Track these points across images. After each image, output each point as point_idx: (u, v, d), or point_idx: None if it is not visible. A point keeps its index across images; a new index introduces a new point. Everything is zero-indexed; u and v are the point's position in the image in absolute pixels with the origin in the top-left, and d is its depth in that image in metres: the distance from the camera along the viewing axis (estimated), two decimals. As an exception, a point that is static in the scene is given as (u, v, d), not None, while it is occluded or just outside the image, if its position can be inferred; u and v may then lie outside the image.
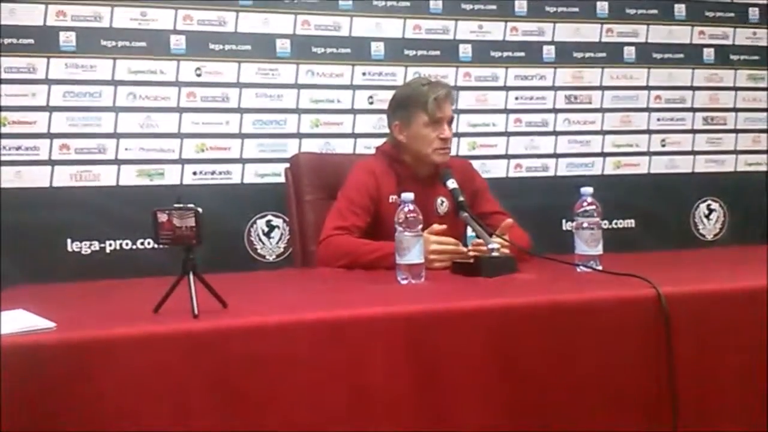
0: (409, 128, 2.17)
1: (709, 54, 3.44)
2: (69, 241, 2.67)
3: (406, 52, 3.07)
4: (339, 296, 1.63)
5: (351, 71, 3.00)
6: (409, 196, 1.70)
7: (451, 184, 2.04)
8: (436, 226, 1.85)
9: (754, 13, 3.49)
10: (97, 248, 2.70)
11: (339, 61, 2.99)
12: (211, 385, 1.19)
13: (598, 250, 1.76)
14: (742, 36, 3.47)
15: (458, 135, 3.04)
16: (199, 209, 1.30)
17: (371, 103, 2.98)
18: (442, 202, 2.17)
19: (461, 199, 2.01)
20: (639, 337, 1.42)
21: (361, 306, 1.41)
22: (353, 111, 3.00)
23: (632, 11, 3.34)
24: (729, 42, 3.46)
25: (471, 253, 1.88)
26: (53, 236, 2.64)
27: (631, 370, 1.41)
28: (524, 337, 1.37)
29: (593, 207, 1.77)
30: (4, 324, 1.16)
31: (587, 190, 1.79)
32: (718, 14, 3.44)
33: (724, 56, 3.45)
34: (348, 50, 3.00)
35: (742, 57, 3.48)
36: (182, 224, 1.31)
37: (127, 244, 2.72)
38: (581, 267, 1.74)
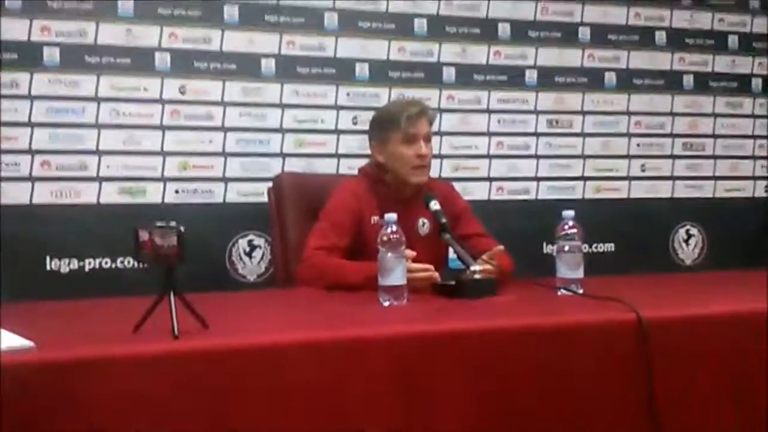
0: (386, 148, 2.19)
1: (688, 81, 3.49)
2: (48, 258, 2.64)
3: (391, 73, 3.09)
4: (321, 318, 1.63)
5: (335, 92, 3.01)
6: (392, 217, 1.71)
7: (434, 205, 2.05)
8: (408, 251, 1.83)
9: (733, 41, 3.56)
10: (76, 266, 2.66)
11: (323, 82, 3.00)
12: (192, 407, 1.18)
13: (580, 273, 1.77)
14: (722, 63, 3.54)
15: (441, 157, 3.06)
16: (182, 228, 1.29)
17: (355, 123, 2.99)
18: (424, 223, 2.18)
19: (443, 221, 2.02)
20: (619, 360, 1.43)
21: (344, 328, 1.41)
22: (337, 131, 3.00)
23: (613, 37, 3.39)
24: (708, 69, 3.52)
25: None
26: (32, 254, 2.60)
27: (612, 393, 1.42)
28: (506, 360, 1.38)
29: (575, 230, 1.79)
30: (-20, 343, 1.14)
31: (569, 213, 1.81)
32: (698, 41, 3.51)
33: (704, 83, 3.51)
34: (333, 71, 3.01)
35: (722, 84, 3.54)
36: (164, 243, 1.30)
37: (106, 263, 2.69)
38: (562, 290, 1.75)
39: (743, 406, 1.47)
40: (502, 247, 2.00)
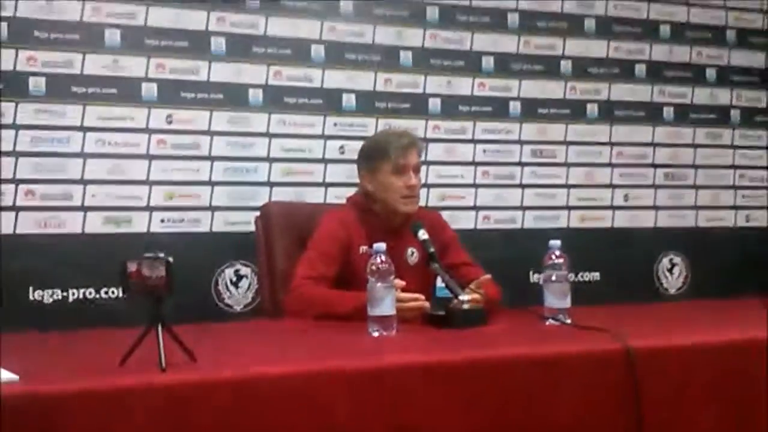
0: (375, 178, 2.20)
1: (668, 112, 3.56)
2: (31, 289, 2.60)
3: (377, 104, 3.12)
4: (309, 349, 1.61)
5: (322, 121, 3.03)
6: (381, 246, 1.71)
7: (422, 235, 2.06)
8: (397, 281, 1.83)
9: (711, 74, 3.64)
10: (60, 297, 2.63)
11: (311, 112, 3.02)
12: (179, 441, 1.17)
13: (567, 303, 1.78)
14: (701, 95, 3.61)
15: (428, 186, 3.08)
16: (170, 259, 1.29)
17: (342, 153, 3.01)
18: (413, 252, 2.18)
19: (432, 250, 2.02)
20: (608, 390, 1.44)
21: (332, 359, 1.40)
22: (324, 161, 3.02)
23: (595, 70, 3.45)
24: (688, 101, 3.59)
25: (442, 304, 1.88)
26: (15, 284, 2.57)
27: (600, 423, 1.42)
28: (496, 390, 1.37)
29: (561, 260, 1.80)
30: (-37, 376, 1.13)
31: (555, 243, 1.82)
32: (677, 74, 3.58)
33: (684, 114, 3.57)
34: (320, 101, 3.04)
35: (701, 116, 3.61)
36: (152, 274, 1.29)
37: (90, 293, 2.66)
38: (550, 320, 1.76)
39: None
40: (489, 276, 2.01)
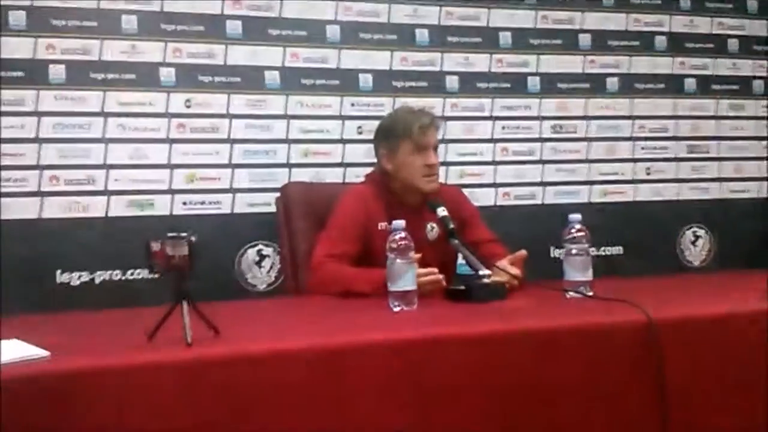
0: (395, 157, 2.20)
1: (690, 84, 3.51)
2: (58, 272, 2.65)
3: (394, 83, 3.11)
4: (332, 324, 1.63)
5: (340, 102, 3.03)
6: (400, 223, 1.72)
7: (441, 211, 2.07)
8: (412, 255, 1.83)
9: (733, 45, 3.57)
10: (87, 279, 2.68)
11: (328, 93, 3.02)
12: (205, 412, 1.19)
13: (588, 276, 1.78)
14: (723, 66, 3.55)
15: (446, 164, 3.07)
16: (193, 237, 1.31)
17: (360, 133, 3.01)
18: (432, 228, 2.19)
19: (451, 226, 2.03)
20: (630, 362, 1.44)
21: (354, 333, 1.41)
22: (343, 141, 3.02)
23: (614, 43, 3.41)
24: (710, 72, 3.53)
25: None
26: (42, 268, 2.61)
27: (623, 394, 1.42)
28: (516, 363, 1.38)
29: (582, 234, 1.79)
30: (-2, 354, 1.16)
31: (575, 216, 1.81)
32: (699, 45, 3.52)
33: (706, 86, 3.52)
34: (336, 82, 3.03)
35: (723, 87, 3.55)
36: (175, 253, 1.32)
37: (116, 275, 2.70)
38: (571, 293, 1.75)
39: (754, 406, 1.47)
40: (524, 252, 1.99)
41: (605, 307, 1.59)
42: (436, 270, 1.85)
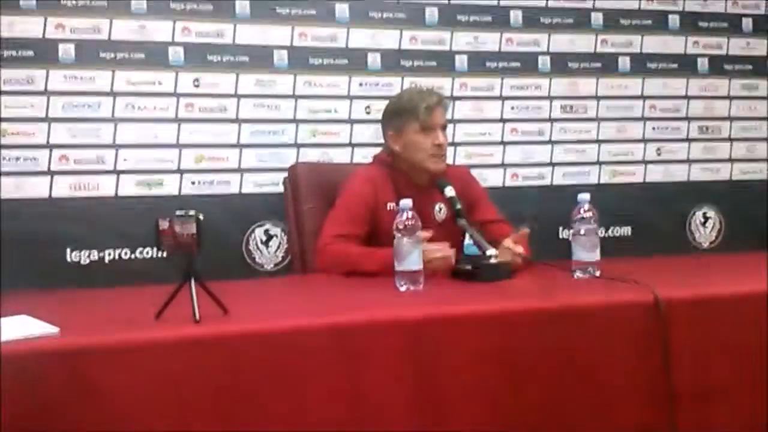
0: (402, 137, 2.19)
1: (703, 64, 3.47)
2: (68, 251, 2.67)
3: (403, 62, 3.09)
4: (339, 303, 1.64)
5: (348, 82, 3.02)
6: (407, 203, 1.72)
7: (449, 191, 2.06)
8: (421, 233, 1.84)
9: (747, 24, 3.53)
10: (96, 258, 2.70)
11: (336, 72, 3.01)
12: (213, 390, 1.20)
13: (596, 256, 1.77)
14: (736, 46, 3.51)
15: (455, 144, 3.06)
16: (201, 216, 1.32)
17: (368, 113, 3.00)
18: (440, 209, 2.18)
19: (458, 206, 2.02)
20: (637, 341, 1.44)
21: (361, 312, 1.42)
22: (350, 121, 3.01)
23: (626, 22, 3.37)
24: (723, 52, 3.49)
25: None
26: (52, 246, 2.64)
27: (629, 373, 1.43)
28: (523, 342, 1.38)
29: (590, 214, 1.79)
30: (7, 329, 1.17)
31: (584, 197, 1.81)
32: (712, 24, 3.48)
33: (719, 66, 3.48)
34: (345, 61, 3.02)
35: (736, 67, 3.51)
36: (183, 231, 1.32)
37: (126, 254, 2.72)
38: (578, 273, 1.75)
39: (760, 385, 1.47)
40: (527, 230, 1.99)
41: (613, 287, 1.59)
42: (448, 245, 1.85)
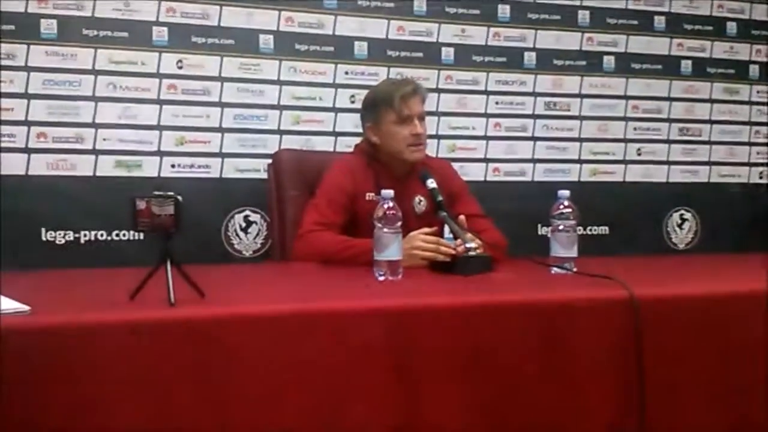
0: (380, 128, 2.19)
1: (686, 66, 3.49)
2: (43, 230, 2.63)
3: (389, 52, 3.08)
4: (316, 290, 1.64)
5: (333, 70, 3.00)
6: (389, 193, 1.72)
7: (431, 183, 2.07)
8: (426, 228, 1.86)
9: (731, 28, 3.56)
10: (72, 238, 2.66)
11: (322, 59, 2.99)
12: (188, 373, 1.19)
13: (574, 252, 1.78)
14: (720, 49, 3.54)
15: (438, 137, 3.06)
16: (179, 197, 1.30)
17: (353, 102, 2.98)
18: (420, 201, 2.19)
19: (440, 199, 2.03)
20: (611, 337, 1.45)
21: (339, 300, 1.42)
22: (335, 109, 3.00)
23: (613, 21, 3.38)
24: (707, 55, 3.52)
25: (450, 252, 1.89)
26: (27, 225, 2.60)
27: (602, 368, 1.44)
28: (499, 335, 1.39)
29: (569, 210, 1.80)
30: (-23, 306, 1.15)
31: (564, 193, 1.82)
32: (697, 27, 3.51)
33: (701, 69, 3.51)
34: (331, 48, 3.00)
35: (719, 70, 3.54)
36: (161, 212, 1.31)
37: (102, 235, 2.69)
38: (555, 269, 1.76)
39: (731, 383, 1.49)
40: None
41: (589, 283, 1.60)
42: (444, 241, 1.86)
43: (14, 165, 2.62)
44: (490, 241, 1.95)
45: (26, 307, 1.17)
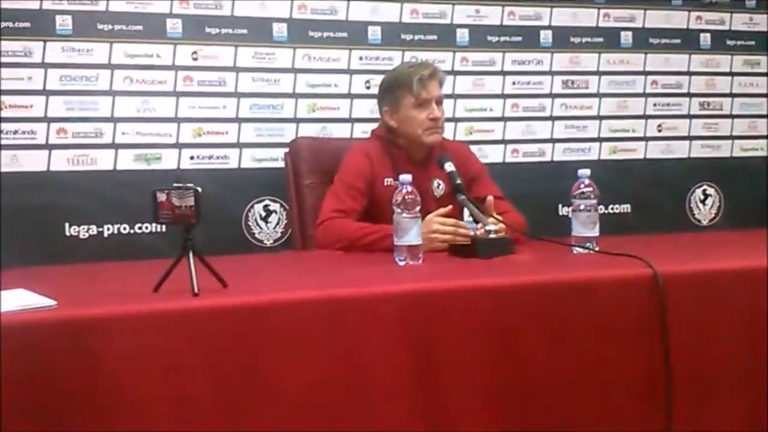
0: (398, 112, 2.18)
1: (705, 39, 3.44)
2: (67, 225, 2.66)
3: (403, 36, 3.06)
4: (338, 277, 1.64)
5: (348, 56, 2.99)
6: (407, 177, 1.71)
7: (449, 166, 2.06)
8: (442, 210, 1.86)
9: (750, -1, 3.49)
10: (95, 232, 2.69)
11: (336, 46, 2.98)
12: (211, 363, 1.20)
13: (595, 231, 1.77)
14: (739, 21, 3.47)
15: (455, 120, 3.04)
16: (199, 189, 1.31)
17: (368, 87, 2.97)
18: (438, 184, 2.18)
19: (458, 181, 2.02)
20: (635, 316, 1.44)
21: (360, 286, 1.42)
22: (350, 95, 2.99)
23: (630, -5, 3.34)
24: (726, 27, 3.46)
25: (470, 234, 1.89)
26: (51, 220, 2.63)
27: (627, 348, 1.43)
28: (521, 317, 1.38)
29: (590, 189, 1.78)
30: (4, 302, 1.17)
31: (584, 172, 1.80)
32: (715, -1, 3.45)
33: (721, 41, 3.45)
34: (345, 34, 2.99)
35: (739, 42, 3.47)
36: (181, 203, 1.32)
37: (124, 228, 2.72)
38: (577, 248, 1.75)
39: (757, 359, 1.47)
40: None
41: (611, 262, 1.59)
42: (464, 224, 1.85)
43: (36, 161, 2.65)
44: (511, 223, 1.94)
45: (53, 302, 1.18)
